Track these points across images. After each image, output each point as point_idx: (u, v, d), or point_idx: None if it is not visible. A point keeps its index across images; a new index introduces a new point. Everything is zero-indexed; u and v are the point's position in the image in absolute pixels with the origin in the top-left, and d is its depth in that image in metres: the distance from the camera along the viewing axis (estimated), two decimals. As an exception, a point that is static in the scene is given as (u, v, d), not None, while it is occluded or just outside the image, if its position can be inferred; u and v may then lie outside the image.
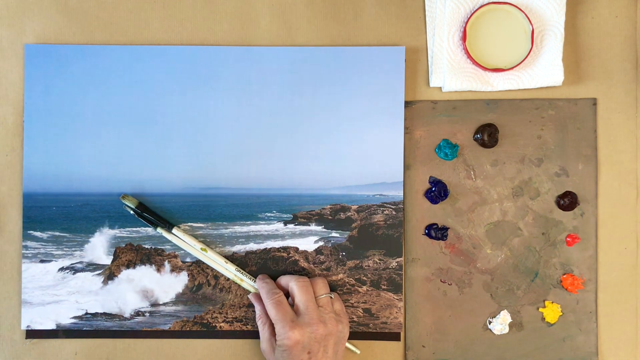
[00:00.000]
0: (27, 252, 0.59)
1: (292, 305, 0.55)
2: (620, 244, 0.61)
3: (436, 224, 0.60)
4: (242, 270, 0.59)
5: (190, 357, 0.60)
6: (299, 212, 0.60)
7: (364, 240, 0.60)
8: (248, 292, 0.59)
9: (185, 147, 0.59)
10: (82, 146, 0.59)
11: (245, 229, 0.60)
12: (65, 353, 0.59)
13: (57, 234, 0.59)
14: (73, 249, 0.59)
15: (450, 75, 0.59)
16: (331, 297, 0.56)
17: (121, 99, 0.59)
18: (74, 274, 0.59)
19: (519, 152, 0.60)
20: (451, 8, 0.59)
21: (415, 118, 0.60)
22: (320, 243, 0.60)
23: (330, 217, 0.60)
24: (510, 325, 0.60)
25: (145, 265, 0.60)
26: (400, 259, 0.60)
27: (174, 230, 0.59)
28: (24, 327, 0.59)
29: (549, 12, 0.59)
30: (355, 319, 0.60)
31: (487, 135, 0.59)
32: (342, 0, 0.60)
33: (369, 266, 0.60)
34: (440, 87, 0.60)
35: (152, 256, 0.60)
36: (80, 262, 0.59)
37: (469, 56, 0.58)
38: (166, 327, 0.59)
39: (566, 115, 0.60)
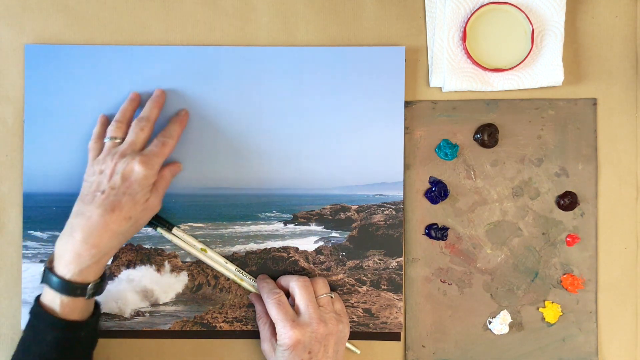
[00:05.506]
0: (27, 252, 0.59)
1: (293, 305, 0.55)
2: (620, 244, 0.61)
3: (436, 224, 0.60)
4: (242, 271, 0.59)
5: (190, 357, 0.60)
6: (299, 212, 0.60)
7: (364, 240, 0.60)
8: (248, 292, 0.59)
9: (186, 147, 0.59)
10: (82, 146, 0.59)
11: (245, 229, 0.60)
12: (65, 353, 0.59)
13: (57, 233, 0.58)
14: (73, 249, 0.59)
15: (450, 75, 0.59)
16: (331, 297, 0.56)
17: (121, 99, 0.59)
18: (74, 274, 0.59)
19: (519, 152, 0.60)
20: (451, 8, 0.59)
21: (415, 118, 0.60)
22: (320, 243, 0.60)
23: (330, 217, 0.60)
24: (510, 325, 0.60)
25: (145, 265, 0.60)
26: (400, 259, 0.60)
27: (174, 230, 0.59)
28: (24, 327, 0.59)
29: (549, 12, 0.59)
30: (355, 319, 0.60)
31: (487, 135, 0.59)
32: (342, 0, 0.60)
33: (369, 266, 0.60)
34: (440, 87, 0.60)
35: (152, 256, 0.60)
36: (80, 262, 0.59)
37: (469, 56, 0.58)
38: (166, 327, 0.59)
39: (566, 115, 0.60)
